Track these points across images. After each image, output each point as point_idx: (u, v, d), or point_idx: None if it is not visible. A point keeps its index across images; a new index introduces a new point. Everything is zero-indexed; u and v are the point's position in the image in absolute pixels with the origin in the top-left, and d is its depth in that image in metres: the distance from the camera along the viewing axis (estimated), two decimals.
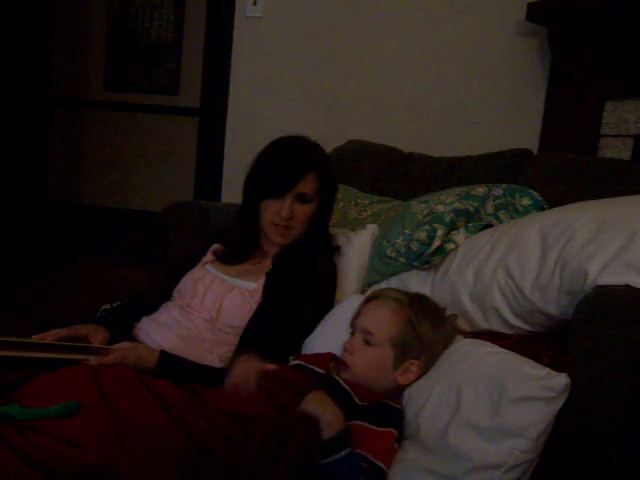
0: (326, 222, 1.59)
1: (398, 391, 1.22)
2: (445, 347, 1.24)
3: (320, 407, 1.05)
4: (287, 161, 1.48)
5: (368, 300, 1.29)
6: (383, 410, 1.14)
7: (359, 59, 2.72)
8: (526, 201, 1.58)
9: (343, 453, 1.01)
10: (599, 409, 1.06)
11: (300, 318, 1.43)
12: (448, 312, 1.32)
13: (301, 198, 1.48)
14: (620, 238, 1.15)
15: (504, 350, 1.19)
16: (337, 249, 1.61)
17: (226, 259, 1.56)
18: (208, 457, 0.96)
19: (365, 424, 1.10)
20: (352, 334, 1.26)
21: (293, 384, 1.13)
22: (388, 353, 1.20)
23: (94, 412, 0.96)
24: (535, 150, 2.27)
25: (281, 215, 1.46)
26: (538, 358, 1.20)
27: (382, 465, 1.05)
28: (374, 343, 1.21)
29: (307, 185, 1.48)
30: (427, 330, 1.22)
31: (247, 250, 1.57)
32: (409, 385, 1.22)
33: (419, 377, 1.22)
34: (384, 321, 1.22)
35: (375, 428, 1.10)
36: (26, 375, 1.10)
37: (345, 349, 1.24)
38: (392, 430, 1.11)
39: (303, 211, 1.49)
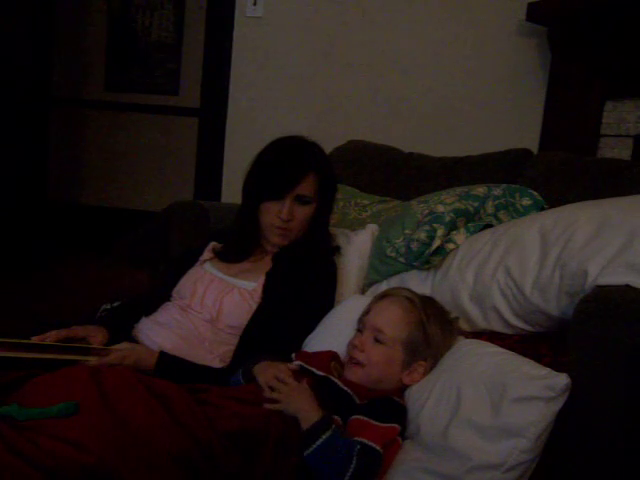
0: (326, 222, 1.59)
1: (401, 391, 1.22)
2: (449, 349, 1.24)
3: (295, 405, 1.07)
4: (286, 163, 1.48)
5: (379, 298, 1.29)
6: (385, 406, 1.14)
7: (359, 59, 2.72)
8: (526, 201, 1.58)
9: (324, 437, 1.02)
10: (599, 409, 1.06)
11: (300, 318, 1.43)
12: (452, 315, 1.32)
13: (300, 199, 1.48)
14: (620, 238, 1.15)
15: (504, 350, 1.19)
16: (337, 249, 1.61)
17: (225, 258, 1.56)
18: (208, 457, 0.96)
19: (366, 419, 1.10)
20: (359, 331, 1.26)
21: None
22: (398, 353, 1.20)
23: (94, 412, 0.96)
24: (535, 150, 2.27)
25: (281, 217, 1.46)
26: (538, 358, 1.20)
27: (377, 447, 1.05)
28: (384, 342, 1.21)
29: (306, 187, 1.47)
30: (436, 332, 1.22)
31: (246, 250, 1.57)
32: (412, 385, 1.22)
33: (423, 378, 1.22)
34: (396, 320, 1.22)
35: (376, 423, 1.09)
36: (26, 375, 1.10)
37: (354, 346, 1.23)
38: (394, 425, 1.11)
39: (303, 212, 1.49)
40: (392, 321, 1.22)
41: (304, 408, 1.07)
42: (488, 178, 1.77)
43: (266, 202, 1.48)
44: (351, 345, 1.25)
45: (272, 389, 1.13)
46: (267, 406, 1.09)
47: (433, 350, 1.22)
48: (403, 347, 1.20)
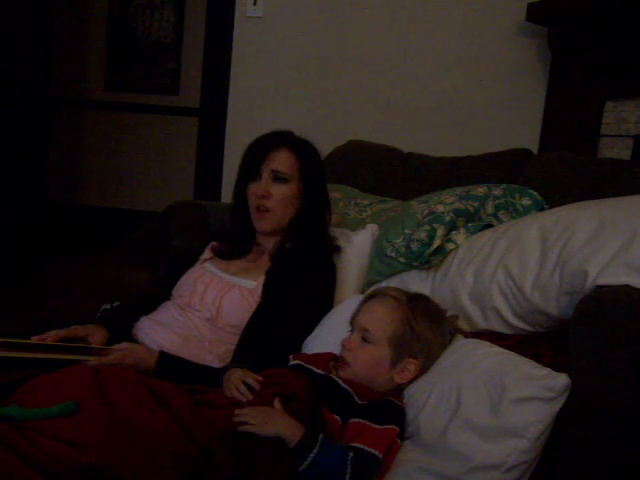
0: (324, 221, 1.58)
1: (398, 391, 1.22)
2: (444, 348, 1.24)
3: (274, 426, 1.05)
4: (261, 139, 1.52)
5: (367, 298, 1.29)
6: (384, 407, 1.14)
7: (359, 59, 2.72)
8: (526, 201, 1.58)
9: (312, 455, 1.02)
10: (599, 409, 1.06)
11: (300, 318, 1.43)
12: (449, 313, 1.32)
13: (277, 176, 1.49)
14: (620, 238, 1.15)
15: (504, 350, 1.19)
16: (337, 249, 1.60)
17: (224, 255, 1.56)
18: (208, 458, 0.96)
19: (364, 421, 1.10)
20: (350, 332, 1.27)
21: (284, 387, 1.14)
22: (385, 351, 1.20)
23: (94, 412, 0.96)
24: (535, 150, 2.27)
25: (257, 193, 1.47)
26: (538, 358, 1.20)
27: (374, 451, 1.05)
28: (371, 341, 1.21)
29: (281, 162, 1.49)
30: (425, 329, 1.22)
31: (243, 243, 1.57)
32: (406, 384, 1.22)
33: (416, 377, 1.21)
34: (381, 319, 1.22)
35: (374, 426, 1.09)
36: (26, 375, 1.10)
37: (344, 346, 1.24)
38: (393, 427, 1.11)
39: (280, 191, 1.49)
40: (377, 320, 1.22)
41: (283, 429, 1.05)
42: (488, 178, 1.77)
43: (249, 184, 1.51)
44: (341, 345, 1.26)
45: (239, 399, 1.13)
46: (240, 428, 1.04)
47: (423, 347, 1.21)
48: (390, 344, 1.20)
